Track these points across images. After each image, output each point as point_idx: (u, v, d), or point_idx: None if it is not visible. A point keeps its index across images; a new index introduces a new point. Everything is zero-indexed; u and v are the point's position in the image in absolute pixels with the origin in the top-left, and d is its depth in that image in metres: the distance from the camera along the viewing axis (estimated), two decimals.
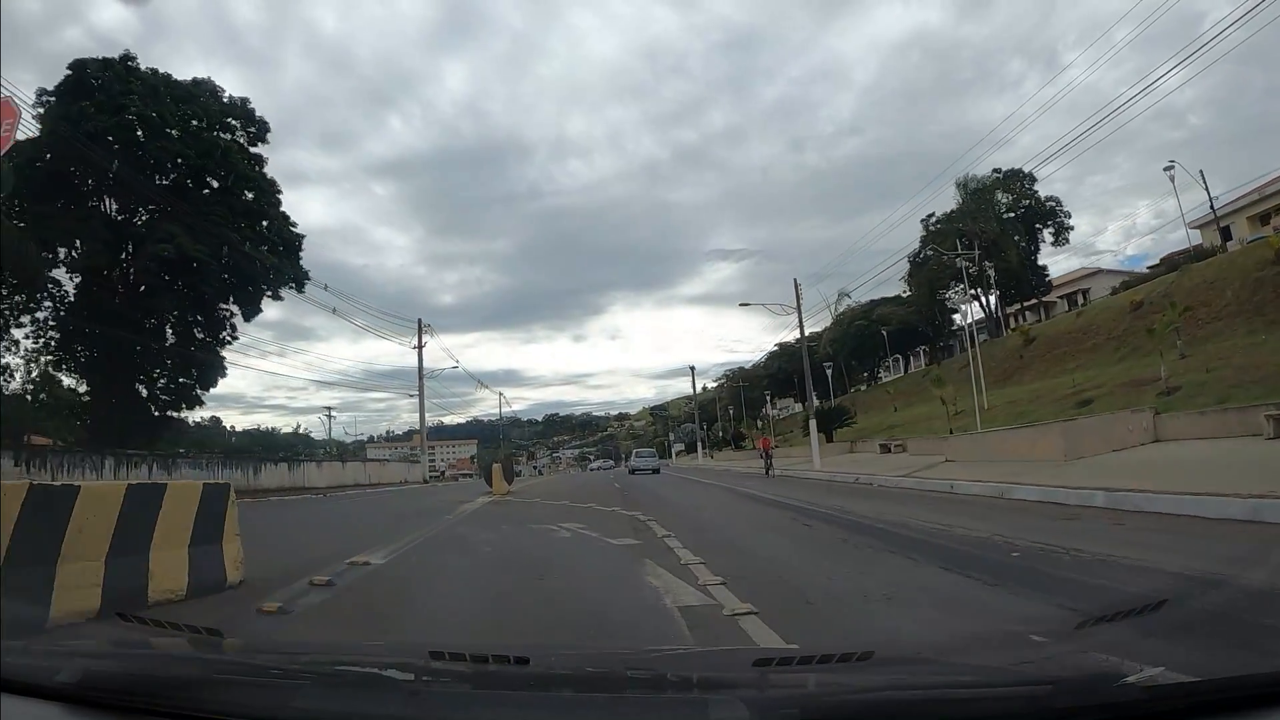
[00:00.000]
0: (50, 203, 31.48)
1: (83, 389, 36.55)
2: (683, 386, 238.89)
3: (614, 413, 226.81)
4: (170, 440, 40.24)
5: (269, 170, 38.26)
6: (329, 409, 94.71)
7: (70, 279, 34.22)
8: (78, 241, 32.40)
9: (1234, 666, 2.02)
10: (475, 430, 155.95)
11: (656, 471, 49.94)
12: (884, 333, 75.40)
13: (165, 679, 1.94)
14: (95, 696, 1.78)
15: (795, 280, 38.46)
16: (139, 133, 33.16)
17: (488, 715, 1.81)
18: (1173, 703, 1.67)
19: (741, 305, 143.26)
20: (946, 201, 64.30)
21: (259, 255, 36.13)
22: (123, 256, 33.80)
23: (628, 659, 2.76)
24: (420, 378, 54.60)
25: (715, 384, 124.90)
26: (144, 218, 33.97)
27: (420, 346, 53.52)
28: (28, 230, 29.55)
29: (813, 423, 36.00)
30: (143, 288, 33.64)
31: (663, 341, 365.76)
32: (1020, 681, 2.07)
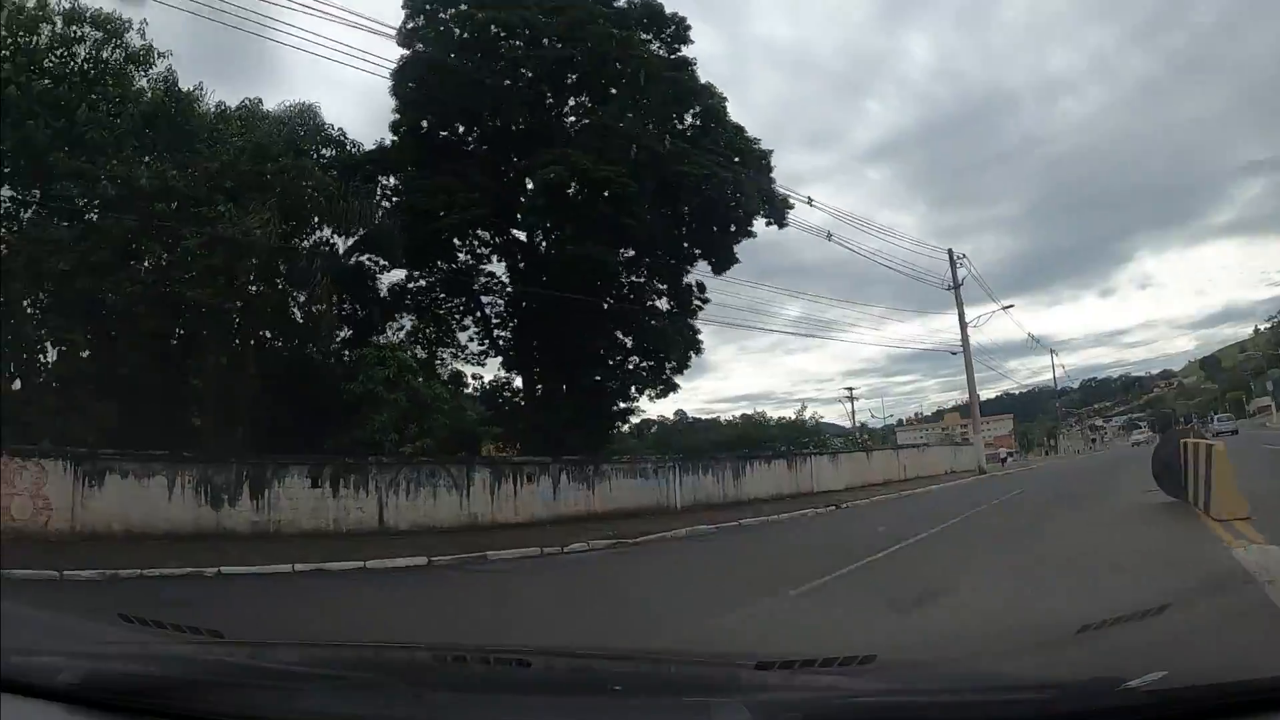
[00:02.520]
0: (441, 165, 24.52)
1: (521, 385, 29.16)
2: (1228, 334, 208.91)
3: (1154, 371, 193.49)
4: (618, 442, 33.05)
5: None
6: (849, 389, 78.70)
7: (491, 259, 27.61)
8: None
9: (1237, 670, 2.02)
10: (1007, 404, 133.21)
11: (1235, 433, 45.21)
12: None
13: (168, 680, 1.93)
14: (98, 697, 1.77)
15: None
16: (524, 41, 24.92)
17: (491, 716, 1.81)
18: (1176, 707, 1.66)
19: None
20: None
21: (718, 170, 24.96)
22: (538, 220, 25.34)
23: (630, 662, 2.76)
24: (962, 322, 42.64)
25: (1268, 325, 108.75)
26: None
27: (956, 286, 42.50)
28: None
29: None
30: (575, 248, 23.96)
31: (1198, 284, 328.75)
32: (1022, 686, 2.07)
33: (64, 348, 19.05)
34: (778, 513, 20.69)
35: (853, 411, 68.45)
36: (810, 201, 31.41)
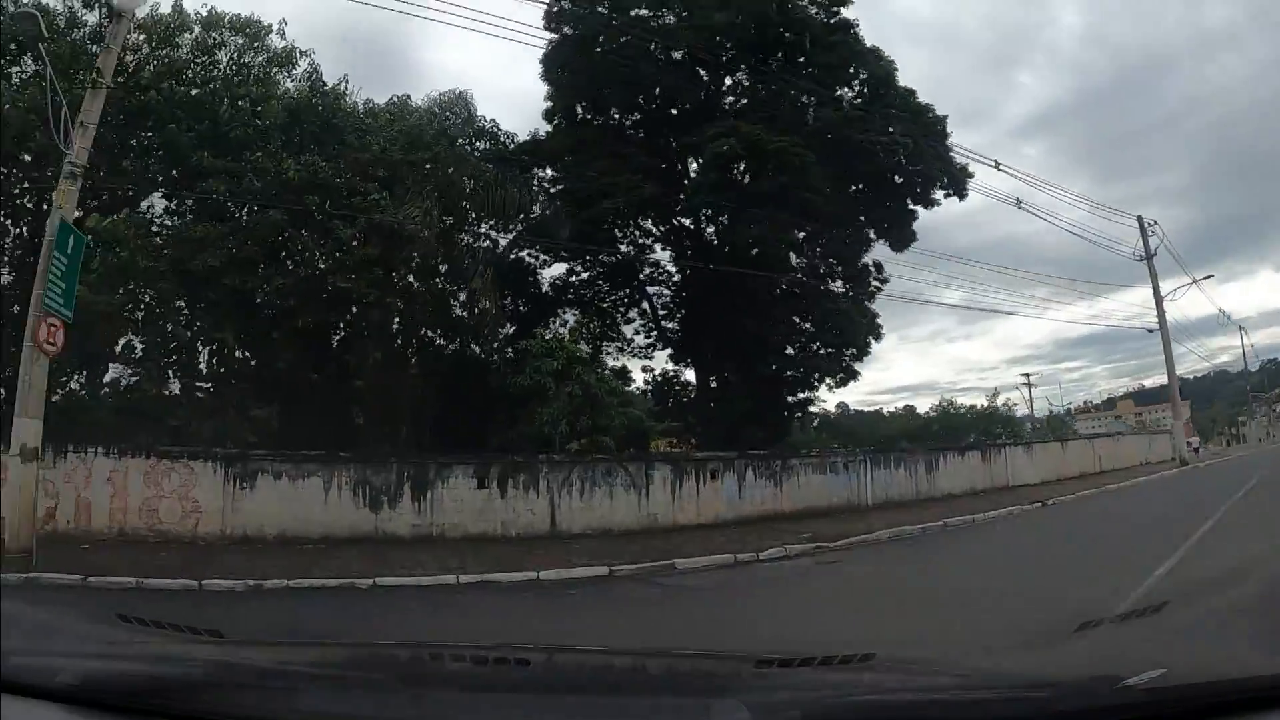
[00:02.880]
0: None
1: (692, 378, 27.24)
2: None
3: None
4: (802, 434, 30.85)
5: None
6: (1027, 376, 71.92)
7: (653, 247, 26.13)
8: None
9: (1235, 669, 2.02)
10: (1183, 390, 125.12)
11: None
12: None
13: (167, 680, 1.93)
14: (96, 698, 1.77)
15: None
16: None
17: (491, 715, 1.81)
18: (1174, 705, 1.67)
19: None
20: None
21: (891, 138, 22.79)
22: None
23: (629, 661, 2.76)
24: (1157, 296, 37.64)
25: None
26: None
27: (1149, 255, 37.17)
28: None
29: None
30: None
31: None
32: (1020, 684, 2.07)
33: (214, 346, 18.40)
34: (977, 510, 18.47)
35: (1030, 399, 62.38)
36: (998, 165, 27.86)
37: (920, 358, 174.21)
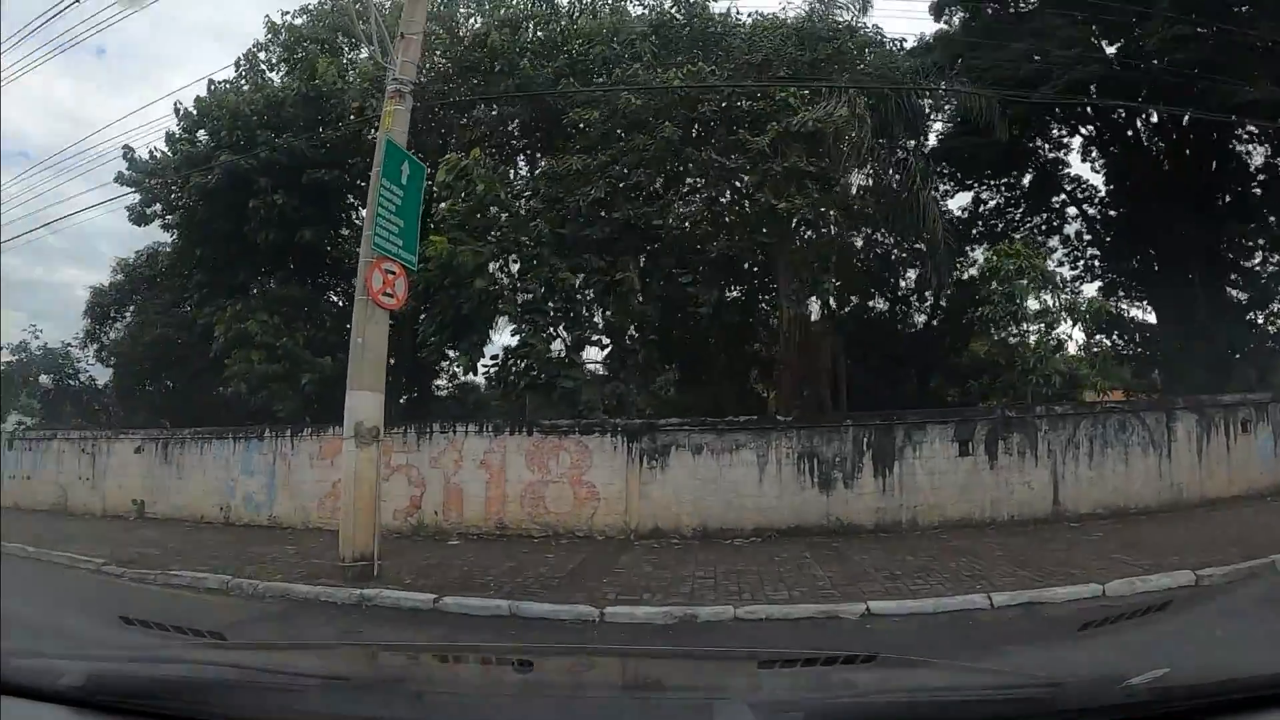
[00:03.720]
0: None
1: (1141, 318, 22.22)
2: None
3: None
4: None
5: None
6: None
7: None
8: None
9: (1239, 668, 2.02)
10: None
11: None
12: None
13: (169, 682, 1.94)
14: (99, 700, 1.78)
15: None
16: None
17: (492, 718, 1.82)
18: (1178, 704, 1.67)
19: None
20: None
21: None
22: None
23: (633, 662, 2.77)
24: None
25: None
26: None
27: None
28: None
29: None
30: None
31: None
32: (1024, 684, 2.07)
33: (609, 292, 14.70)
34: None
35: None
36: None
37: None
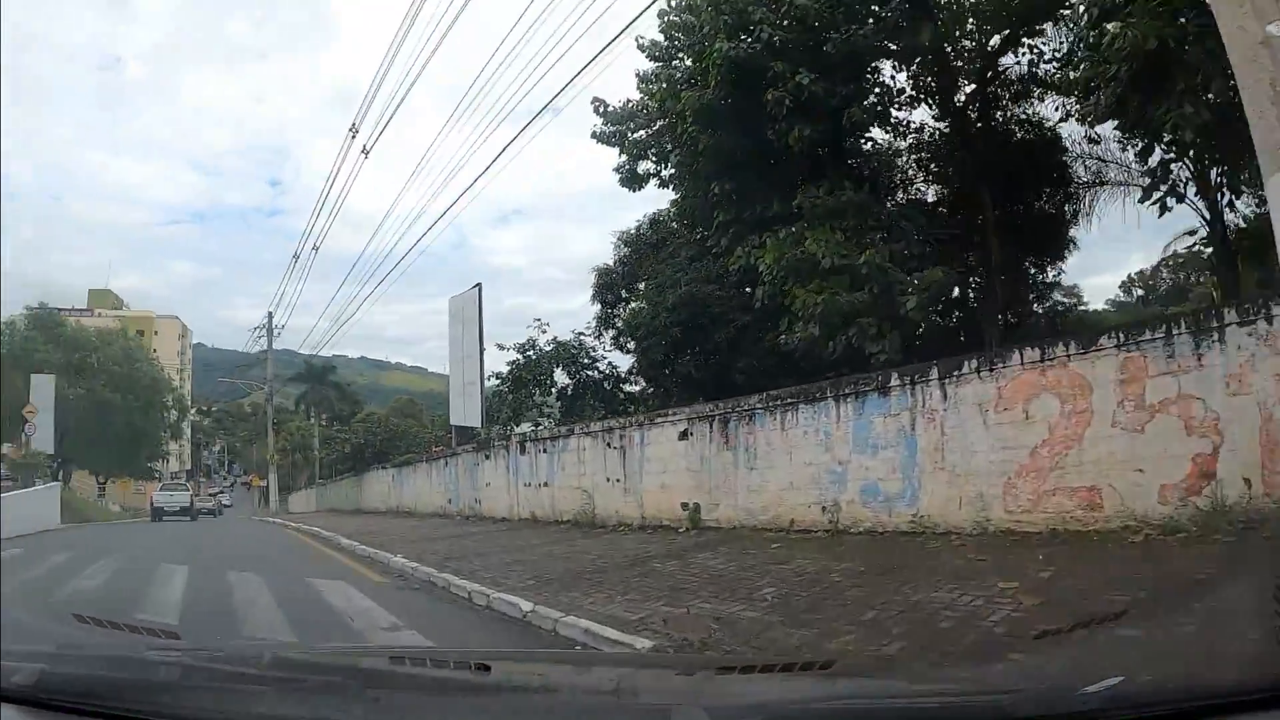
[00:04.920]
0: None
1: None
2: None
3: None
4: None
5: None
6: None
7: None
8: None
9: (1194, 676, 2.06)
10: None
11: None
12: None
13: (122, 682, 1.91)
14: (51, 699, 1.75)
15: None
16: None
17: (449, 719, 1.81)
18: (1132, 711, 1.69)
19: None
20: None
21: None
22: None
23: (589, 667, 2.77)
24: None
25: None
26: None
27: None
28: None
29: None
30: None
31: None
32: (980, 691, 2.09)
33: None
34: None
35: None
36: None
37: None
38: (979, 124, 16.58)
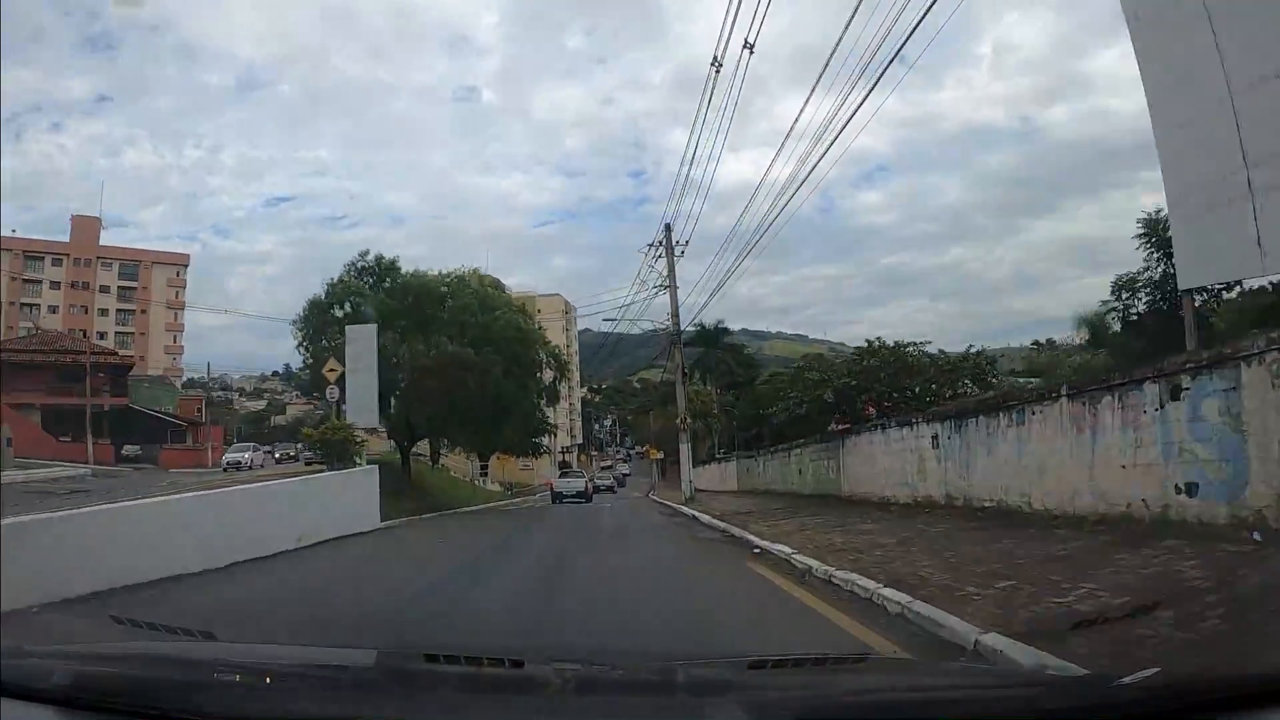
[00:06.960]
0: None
1: None
2: None
3: None
4: None
5: None
6: None
7: None
8: None
9: (1229, 667, 2.02)
10: None
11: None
12: None
13: (159, 682, 1.93)
14: (88, 700, 1.77)
15: None
16: None
17: (483, 717, 1.81)
18: (1168, 703, 1.66)
19: None
20: None
21: None
22: None
23: (624, 663, 2.76)
24: None
25: None
26: None
27: None
28: None
29: None
30: None
31: None
32: (1014, 683, 2.07)
33: None
34: None
35: None
36: None
37: None
38: None
